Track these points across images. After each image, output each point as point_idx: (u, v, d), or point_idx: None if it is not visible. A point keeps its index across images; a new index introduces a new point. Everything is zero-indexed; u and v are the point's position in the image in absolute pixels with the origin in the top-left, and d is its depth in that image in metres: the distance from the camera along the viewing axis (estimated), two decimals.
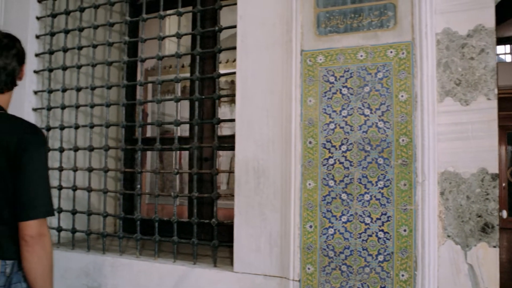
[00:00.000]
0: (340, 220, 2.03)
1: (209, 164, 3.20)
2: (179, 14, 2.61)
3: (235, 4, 2.37)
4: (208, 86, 3.20)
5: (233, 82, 6.11)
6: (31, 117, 3.03)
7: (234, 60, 2.30)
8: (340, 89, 2.07)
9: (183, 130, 4.07)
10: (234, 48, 2.33)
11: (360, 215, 2.00)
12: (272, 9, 2.24)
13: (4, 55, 1.57)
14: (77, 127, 2.87)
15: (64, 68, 2.96)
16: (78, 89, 2.90)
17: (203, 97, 2.56)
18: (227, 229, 2.51)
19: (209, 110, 3.21)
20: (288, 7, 2.19)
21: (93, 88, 2.89)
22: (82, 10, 2.91)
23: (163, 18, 2.69)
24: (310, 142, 2.10)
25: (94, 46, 2.87)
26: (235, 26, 2.36)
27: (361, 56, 2.04)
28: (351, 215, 2.02)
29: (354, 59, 2.05)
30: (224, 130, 4.49)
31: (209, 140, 3.07)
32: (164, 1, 2.70)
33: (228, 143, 2.46)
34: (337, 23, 2.10)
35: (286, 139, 2.15)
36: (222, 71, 2.53)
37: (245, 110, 2.26)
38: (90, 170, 2.77)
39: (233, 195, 2.29)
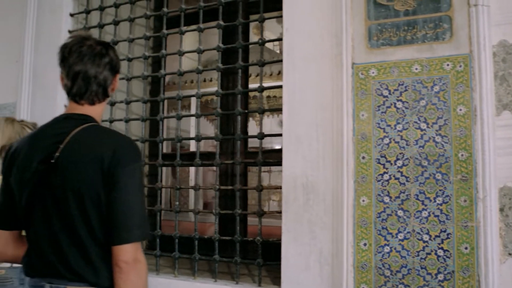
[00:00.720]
0: (397, 237, 2.00)
1: (241, 180, 3.17)
2: (200, 30, 2.68)
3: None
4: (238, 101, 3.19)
5: (269, 96, 6.14)
6: None
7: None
8: (395, 103, 2.05)
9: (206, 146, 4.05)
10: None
11: (418, 232, 1.97)
12: (320, 21, 2.24)
13: (96, 63, 1.43)
14: None
15: None
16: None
17: (224, 112, 2.58)
18: (263, 246, 2.46)
19: (242, 125, 3.19)
20: (337, 19, 2.19)
21: (112, 104, 2.90)
22: (116, 23, 2.91)
23: (183, 33, 2.73)
24: (363, 157, 2.08)
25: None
26: (280, 39, 2.36)
27: (416, 69, 2.03)
28: (408, 232, 1.99)
29: (408, 72, 2.05)
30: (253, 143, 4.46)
31: (241, 156, 3.04)
32: (187, 16, 2.72)
33: (274, 158, 2.44)
34: (389, 36, 2.10)
35: (337, 154, 2.13)
36: (252, 85, 2.54)
37: (293, 125, 2.25)
38: None
39: (275, 212, 2.27)
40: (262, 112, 2.41)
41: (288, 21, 2.32)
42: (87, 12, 3.03)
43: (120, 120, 2.89)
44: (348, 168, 2.10)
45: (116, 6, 2.95)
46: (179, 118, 2.69)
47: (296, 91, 2.26)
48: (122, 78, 2.91)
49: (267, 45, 3.81)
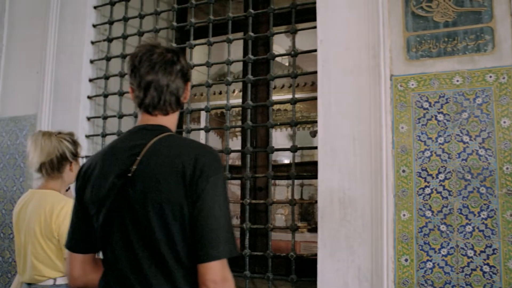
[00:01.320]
0: (440, 253, 1.98)
1: (263, 194, 3.16)
2: (209, 44, 2.73)
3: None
4: (261, 113, 3.19)
5: (279, 110, 6.11)
6: (83, 143, 2.99)
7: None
8: (436, 115, 2.04)
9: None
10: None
11: (462, 248, 1.95)
12: (355, 33, 2.24)
13: (168, 71, 1.37)
14: None
15: (106, 95, 3.00)
16: (121, 116, 2.94)
17: (255, 124, 2.55)
18: (286, 262, 2.43)
19: (263, 138, 3.19)
20: (373, 31, 2.19)
21: (120, 117, 2.96)
22: (141, 34, 2.91)
23: (193, 47, 2.77)
24: (403, 171, 2.07)
25: (122, 76, 2.95)
26: (313, 50, 2.35)
27: (457, 81, 2.03)
28: (452, 247, 1.96)
29: (449, 84, 2.04)
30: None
31: (263, 169, 3.03)
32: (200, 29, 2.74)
33: (309, 171, 2.42)
34: (429, 47, 2.10)
35: (375, 168, 2.12)
36: (275, 97, 2.53)
37: (329, 138, 2.24)
38: None
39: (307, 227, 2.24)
40: (295, 124, 2.40)
41: (323, 33, 2.32)
42: (111, 23, 3.03)
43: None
44: (388, 181, 2.08)
45: (141, 17, 2.95)
46: (207, 130, 2.68)
47: (331, 103, 2.25)
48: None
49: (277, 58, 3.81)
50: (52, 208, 1.94)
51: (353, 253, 2.14)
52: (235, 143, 6.96)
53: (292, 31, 2.49)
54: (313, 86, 6.26)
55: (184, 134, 2.73)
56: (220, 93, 5.07)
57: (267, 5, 3.16)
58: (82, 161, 2.17)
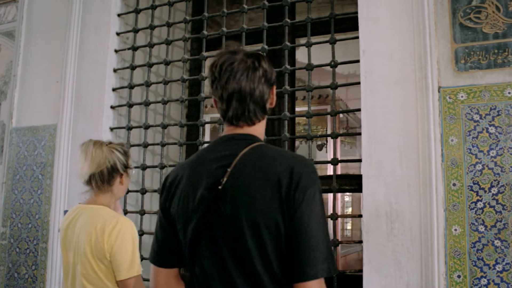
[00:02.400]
0: (494, 269, 1.96)
1: None
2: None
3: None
4: (283, 126, 3.16)
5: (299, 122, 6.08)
6: None
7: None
8: (487, 128, 2.04)
9: None
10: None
11: None
12: (400, 44, 2.24)
13: (250, 78, 1.30)
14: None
15: (131, 105, 2.98)
16: (147, 127, 2.92)
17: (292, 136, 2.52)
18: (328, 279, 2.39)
19: (288, 149, 3.15)
20: (419, 42, 2.19)
21: (147, 127, 2.91)
22: (169, 43, 2.87)
23: (205, 59, 2.79)
24: (454, 184, 2.05)
25: (148, 85, 2.93)
26: (356, 61, 2.34)
27: (509, 93, 2.03)
28: (507, 263, 1.94)
29: (501, 96, 2.04)
30: None
31: None
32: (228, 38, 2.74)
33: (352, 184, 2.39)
34: (478, 59, 2.10)
35: (424, 181, 2.10)
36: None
37: (374, 150, 2.22)
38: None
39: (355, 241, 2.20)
40: (336, 136, 2.37)
41: (365, 43, 2.31)
42: (136, 31, 2.98)
43: (156, 144, 2.88)
44: (438, 195, 2.06)
45: (169, 25, 2.91)
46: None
47: (376, 115, 2.23)
48: (159, 102, 2.89)
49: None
50: (104, 226, 1.83)
51: (401, 268, 2.11)
52: None
53: (308, 45, 2.47)
54: (320, 99, 6.29)
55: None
56: None
57: (291, 16, 3.20)
58: (132, 173, 2.10)
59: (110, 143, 2.01)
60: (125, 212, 2.79)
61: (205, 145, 2.69)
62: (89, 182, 1.95)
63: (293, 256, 1.19)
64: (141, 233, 2.72)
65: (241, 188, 1.23)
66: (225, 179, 1.24)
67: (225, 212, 1.23)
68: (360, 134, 2.29)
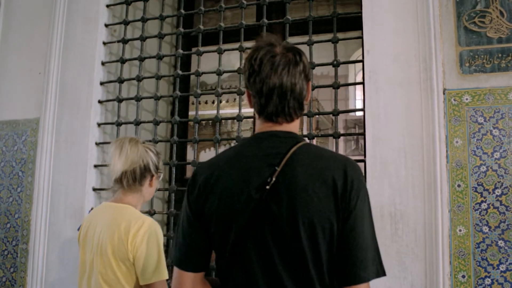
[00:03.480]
0: (498, 269, 2.01)
1: None
2: (220, 52, 2.73)
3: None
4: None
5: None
6: (93, 152, 2.82)
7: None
8: (491, 130, 2.09)
9: None
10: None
11: None
12: (405, 45, 2.26)
13: (291, 73, 1.26)
14: None
15: (121, 100, 2.89)
16: (138, 123, 2.84)
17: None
18: None
19: None
20: (424, 44, 2.22)
21: (137, 123, 2.83)
22: (162, 36, 2.79)
23: (201, 54, 2.75)
24: (458, 186, 2.09)
25: (139, 80, 2.85)
26: (359, 61, 2.35)
27: None
28: (511, 263, 2.00)
29: (504, 99, 2.09)
30: None
31: None
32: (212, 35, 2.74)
33: None
34: (482, 63, 2.14)
35: (428, 182, 2.13)
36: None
37: (378, 151, 2.23)
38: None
39: None
40: (338, 136, 2.36)
41: (369, 43, 2.33)
42: (126, 23, 2.89)
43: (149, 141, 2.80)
44: (443, 196, 2.10)
45: (162, 18, 2.83)
46: (217, 141, 2.60)
47: (380, 116, 2.25)
48: (151, 97, 2.82)
49: None
50: (129, 226, 1.76)
51: (405, 269, 2.13)
52: None
53: (310, 43, 2.47)
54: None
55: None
56: (227, 101, 4.98)
57: (281, 14, 3.19)
58: (161, 177, 2.05)
59: (144, 142, 1.96)
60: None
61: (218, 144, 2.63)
62: (119, 180, 1.88)
63: (345, 258, 1.19)
64: None
65: (296, 188, 1.20)
66: (273, 178, 1.21)
67: (279, 213, 1.19)
68: (362, 134, 2.30)
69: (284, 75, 1.26)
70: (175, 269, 1.33)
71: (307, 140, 1.32)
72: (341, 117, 8.42)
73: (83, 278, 1.86)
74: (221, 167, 1.30)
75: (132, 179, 1.87)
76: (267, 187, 1.20)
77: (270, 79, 1.26)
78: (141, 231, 1.75)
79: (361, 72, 8.14)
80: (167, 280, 1.77)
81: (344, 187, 1.20)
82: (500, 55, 2.14)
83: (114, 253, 1.75)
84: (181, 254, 1.32)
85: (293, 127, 1.34)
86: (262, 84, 1.27)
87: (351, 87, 10.15)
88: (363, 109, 2.31)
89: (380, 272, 1.22)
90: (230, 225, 1.23)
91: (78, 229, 2.00)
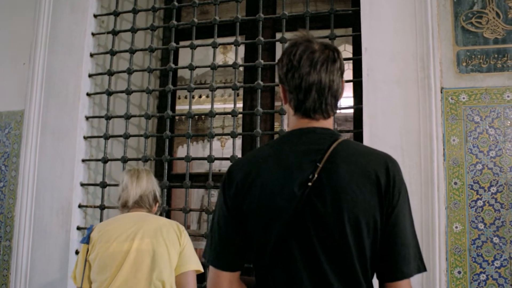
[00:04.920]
0: (493, 265, 2.06)
1: None
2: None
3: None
4: (264, 120, 3.15)
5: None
6: (81, 145, 2.75)
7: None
8: (487, 129, 2.14)
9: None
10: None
11: None
12: (403, 44, 2.29)
13: (330, 70, 1.26)
14: (106, 160, 2.77)
15: (110, 93, 2.85)
16: (128, 117, 2.79)
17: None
18: None
19: None
20: (422, 42, 2.25)
21: (128, 117, 2.80)
22: (154, 29, 2.74)
23: (194, 47, 2.75)
24: (455, 183, 2.13)
25: (130, 73, 2.82)
26: (356, 58, 2.36)
27: (508, 96, 2.14)
28: (505, 259, 2.05)
29: (500, 99, 2.15)
30: None
31: None
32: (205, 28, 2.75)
33: None
34: (479, 62, 2.19)
35: (425, 180, 2.17)
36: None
37: (375, 148, 2.23)
38: None
39: None
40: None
41: (367, 41, 2.35)
42: (117, 14, 2.83)
43: (140, 135, 2.77)
44: (440, 194, 2.14)
45: (154, 10, 2.78)
46: (211, 136, 2.58)
47: (378, 113, 2.28)
48: (143, 91, 2.78)
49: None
50: (169, 222, 2.06)
51: None
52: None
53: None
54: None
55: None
56: (222, 95, 4.93)
57: (271, 10, 3.18)
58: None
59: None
60: (103, 207, 2.65)
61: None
62: (137, 202, 2.10)
63: (388, 254, 1.20)
64: None
65: (341, 184, 1.20)
66: (316, 175, 1.20)
67: (324, 209, 1.19)
68: (361, 131, 2.32)
69: (323, 72, 1.26)
70: (211, 268, 1.30)
71: (345, 137, 1.32)
72: None
73: (104, 268, 1.94)
74: (259, 164, 1.29)
75: (147, 203, 2.13)
76: (310, 183, 1.19)
77: (310, 75, 1.25)
78: (185, 231, 2.06)
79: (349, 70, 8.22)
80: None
81: (387, 183, 1.21)
82: (496, 55, 2.20)
83: (166, 239, 1.96)
84: (217, 253, 1.30)
85: (329, 123, 1.33)
86: (301, 80, 1.26)
87: None
88: (360, 107, 2.33)
89: (421, 267, 1.24)
90: (271, 223, 1.22)
91: (84, 241, 2.05)
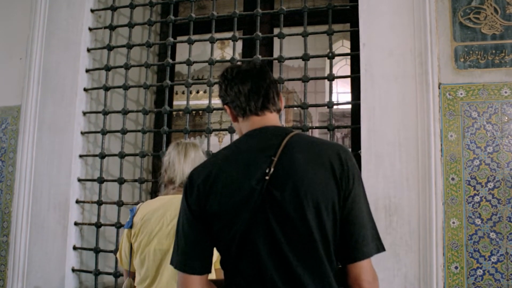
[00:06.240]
0: (490, 260, 2.07)
1: None
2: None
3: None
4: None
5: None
6: (78, 141, 2.75)
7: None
8: (484, 125, 2.14)
9: None
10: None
11: None
12: (401, 39, 2.29)
13: (260, 77, 1.42)
14: (103, 156, 2.75)
15: (108, 88, 2.84)
16: (126, 112, 2.79)
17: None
18: None
19: None
20: (420, 38, 2.25)
21: (125, 113, 2.79)
22: (151, 24, 2.74)
23: (192, 42, 2.76)
24: (452, 179, 2.14)
25: (127, 68, 2.81)
26: (354, 53, 2.36)
27: (505, 92, 2.15)
28: (502, 255, 2.07)
29: (497, 95, 2.15)
30: None
31: None
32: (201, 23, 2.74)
33: None
34: (477, 58, 2.20)
35: (423, 175, 2.17)
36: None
37: (373, 144, 2.26)
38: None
39: None
40: (333, 128, 2.38)
41: (366, 36, 2.35)
42: (114, 9, 2.82)
43: (137, 131, 2.77)
44: (437, 189, 2.15)
45: (152, 5, 2.78)
46: (209, 132, 2.59)
47: (375, 109, 2.28)
48: (140, 86, 2.77)
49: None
50: None
51: (399, 261, 2.18)
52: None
53: (305, 35, 2.48)
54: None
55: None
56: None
57: (269, 5, 3.18)
58: None
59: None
60: (100, 203, 2.65)
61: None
62: (180, 183, 1.93)
63: (347, 236, 1.25)
64: (119, 225, 2.61)
65: (298, 172, 1.25)
66: (272, 168, 1.25)
67: (282, 197, 1.23)
68: (359, 127, 2.32)
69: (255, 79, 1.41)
70: (180, 274, 1.32)
71: (296, 131, 1.38)
72: (314, 110, 8.48)
73: (144, 262, 1.87)
74: (218, 166, 1.33)
75: None
76: (267, 177, 1.24)
77: (244, 84, 1.41)
78: None
79: (338, 65, 8.16)
80: None
81: (342, 168, 1.27)
82: (494, 51, 2.20)
83: None
84: (185, 258, 1.32)
85: (277, 118, 1.44)
86: (238, 88, 1.41)
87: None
88: (358, 102, 2.33)
89: (380, 247, 1.29)
90: (234, 219, 1.26)
91: (128, 226, 1.97)
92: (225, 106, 1.43)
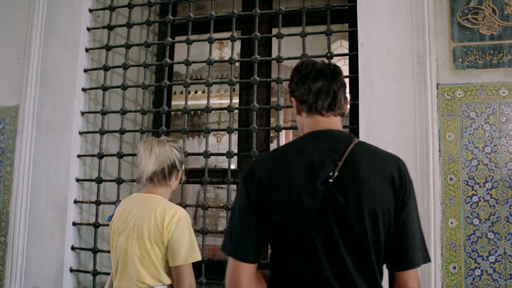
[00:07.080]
0: (488, 260, 2.08)
1: None
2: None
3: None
4: (260, 116, 3.14)
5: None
6: (76, 141, 2.74)
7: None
8: (482, 125, 2.15)
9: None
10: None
11: (510, 255, 2.07)
12: (399, 39, 2.30)
13: (333, 79, 1.45)
14: (101, 156, 2.75)
15: (106, 88, 2.83)
16: (124, 112, 2.78)
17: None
18: None
19: (262, 142, 3.14)
20: (418, 39, 2.26)
21: (124, 113, 2.79)
22: (149, 24, 2.74)
23: (190, 42, 2.74)
24: (451, 179, 2.14)
25: (126, 68, 2.82)
26: (353, 54, 2.36)
27: (503, 93, 2.15)
28: (500, 255, 2.07)
29: (495, 95, 2.16)
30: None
31: None
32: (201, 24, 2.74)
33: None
34: (475, 59, 2.20)
35: (421, 175, 2.18)
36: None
37: (371, 144, 2.24)
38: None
39: None
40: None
41: (364, 36, 2.35)
42: (112, 9, 2.82)
43: (135, 131, 2.76)
44: (435, 189, 2.15)
45: (150, 5, 2.77)
46: (207, 132, 2.58)
47: (374, 109, 2.28)
48: (139, 86, 2.77)
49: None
50: (164, 212, 1.90)
51: None
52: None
53: (303, 35, 2.48)
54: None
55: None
56: (218, 91, 4.94)
57: (267, 5, 3.18)
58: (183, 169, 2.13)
59: (168, 140, 2.07)
60: (99, 203, 2.66)
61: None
62: (150, 178, 2.00)
63: (399, 246, 1.33)
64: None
65: (361, 181, 1.30)
66: (336, 172, 1.30)
67: (345, 202, 1.29)
68: (357, 127, 2.32)
69: (327, 80, 1.46)
70: (231, 260, 1.36)
71: (358, 139, 1.43)
72: None
73: (117, 263, 1.95)
74: (283, 163, 1.37)
75: (162, 177, 2.01)
76: (330, 180, 1.30)
77: (316, 82, 1.46)
78: (175, 218, 1.90)
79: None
80: None
81: (401, 181, 1.34)
82: (492, 51, 2.21)
83: (150, 236, 1.88)
84: (238, 245, 1.36)
85: (339, 122, 1.48)
86: (309, 86, 1.46)
87: None
88: (356, 102, 2.33)
89: (426, 258, 1.38)
90: (296, 216, 1.31)
91: (109, 219, 2.11)
92: (292, 98, 1.48)
